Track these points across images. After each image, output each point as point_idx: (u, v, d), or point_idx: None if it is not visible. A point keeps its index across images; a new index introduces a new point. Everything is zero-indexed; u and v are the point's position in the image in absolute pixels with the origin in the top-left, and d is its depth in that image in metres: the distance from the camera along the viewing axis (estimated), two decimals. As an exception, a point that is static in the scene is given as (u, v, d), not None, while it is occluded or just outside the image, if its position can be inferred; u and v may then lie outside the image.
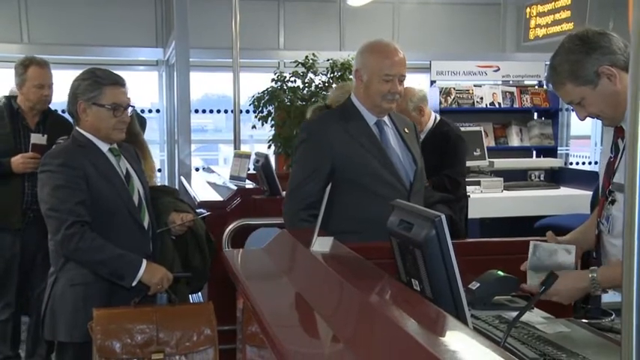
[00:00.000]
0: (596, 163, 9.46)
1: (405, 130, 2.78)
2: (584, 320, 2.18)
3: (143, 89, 9.09)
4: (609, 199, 2.01)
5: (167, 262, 2.72)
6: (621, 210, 1.86)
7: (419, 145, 2.86)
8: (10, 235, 3.72)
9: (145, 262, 2.51)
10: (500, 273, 2.05)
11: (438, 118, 4.07)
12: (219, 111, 9.02)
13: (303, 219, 2.59)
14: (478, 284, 2.00)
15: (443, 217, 1.61)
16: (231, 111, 5.86)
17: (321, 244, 2.04)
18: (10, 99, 3.78)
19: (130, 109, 2.65)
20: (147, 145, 4.19)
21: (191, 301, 3.63)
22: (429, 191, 2.89)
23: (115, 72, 2.68)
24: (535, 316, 1.99)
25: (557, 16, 8.29)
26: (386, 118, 2.74)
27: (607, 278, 1.81)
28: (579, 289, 1.85)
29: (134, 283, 2.49)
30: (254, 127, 6.56)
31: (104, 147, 2.61)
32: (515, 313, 2.03)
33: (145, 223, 2.65)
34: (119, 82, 2.61)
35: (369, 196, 2.60)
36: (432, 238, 1.61)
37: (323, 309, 1.59)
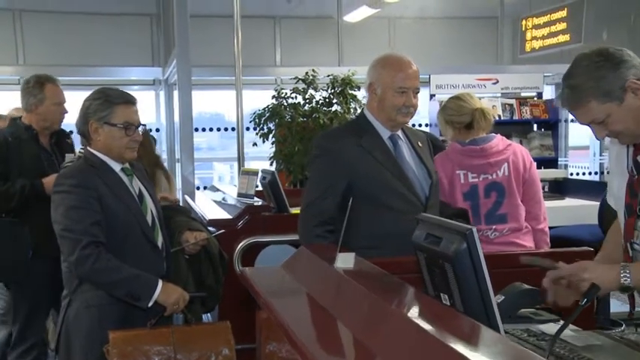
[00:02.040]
0: (595, 173, 9.48)
1: (419, 143, 2.77)
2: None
3: (140, 109, 9.05)
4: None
5: (181, 282, 2.68)
6: None
7: (432, 158, 2.84)
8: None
9: (160, 282, 2.48)
10: (525, 285, 2.03)
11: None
12: (211, 129, 8.98)
13: (318, 235, 2.57)
14: (503, 297, 1.97)
15: (474, 229, 1.59)
16: (225, 129, 5.86)
17: (344, 260, 2.01)
18: (17, 121, 3.73)
19: (141, 128, 2.62)
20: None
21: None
22: (443, 205, 2.87)
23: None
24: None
25: (553, 28, 8.34)
26: (399, 132, 2.73)
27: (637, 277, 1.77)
28: (609, 278, 1.80)
29: (150, 304, 2.45)
30: (255, 144, 6.54)
31: (116, 167, 2.59)
32: (541, 326, 2.02)
33: (159, 243, 2.62)
34: (130, 101, 2.60)
35: (385, 210, 2.58)
36: (464, 252, 1.59)
37: (354, 324, 1.56)
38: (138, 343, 2.42)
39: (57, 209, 2.47)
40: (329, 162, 2.62)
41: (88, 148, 2.59)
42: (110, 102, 2.54)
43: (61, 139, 3.79)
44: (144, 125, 2.66)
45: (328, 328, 1.62)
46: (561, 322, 2.03)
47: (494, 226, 3.06)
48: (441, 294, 1.73)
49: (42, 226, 2.63)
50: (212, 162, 10.56)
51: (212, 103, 9.26)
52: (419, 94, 2.69)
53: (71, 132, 3.75)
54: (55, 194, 2.51)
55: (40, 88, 3.63)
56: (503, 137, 3.17)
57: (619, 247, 2.05)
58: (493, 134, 3.15)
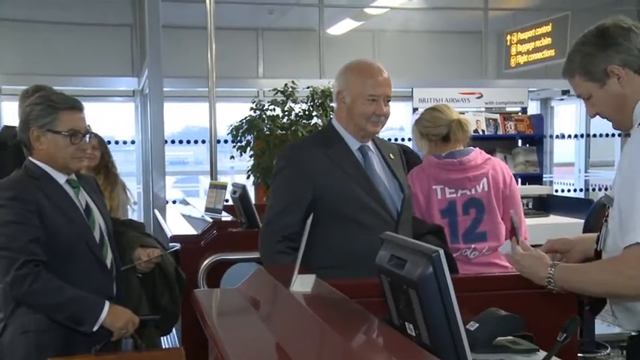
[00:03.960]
0: (581, 190, 9.37)
1: (391, 155, 2.60)
2: (579, 355, 2.00)
3: (120, 121, 8.89)
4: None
5: (133, 304, 2.48)
6: (612, 226, 1.78)
7: (405, 171, 2.67)
8: None
9: (107, 304, 2.27)
10: (502, 311, 1.86)
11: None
12: (196, 142, 8.83)
13: (280, 251, 2.39)
14: (477, 324, 1.81)
15: (441, 252, 1.41)
16: (209, 141, 5.72)
17: (302, 283, 1.83)
18: (9, 129, 3.54)
19: (87, 136, 2.41)
20: (118, 178, 3.97)
21: (163, 345, 3.38)
22: (417, 222, 2.69)
23: (82, 102, 2.44)
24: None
25: (538, 43, 8.27)
26: (370, 144, 2.56)
27: (560, 277, 1.77)
28: (536, 275, 1.82)
29: (95, 329, 2.24)
30: (232, 157, 6.38)
31: (61, 179, 2.38)
32: (519, 357, 1.84)
33: (108, 262, 2.41)
34: (76, 107, 2.39)
35: (354, 227, 2.40)
36: (429, 277, 1.41)
37: (299, 357, 1.37)
38: (81, 372, 2.21)
39: None
40: (294, 175, 2.45)
41: (30, 158, 2.38)
42: (53, 107, 2.33)
43: None
44: (92, 133, 2.46)
45: (269, 358, 1.43)
46: (539, 353, 1.86)
47: (473, 245, 2.88)
48: (406, 323, 1.55)
49: None
50: (198, 175, 10.37)
51: (200, 116, 9.12)
52: (391, 104, 2.53)
53: None
54: None
55: None
56: (482, 151, 3.01)
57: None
58: (471, 147, 2.98)
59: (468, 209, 2.91)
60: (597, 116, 1.86)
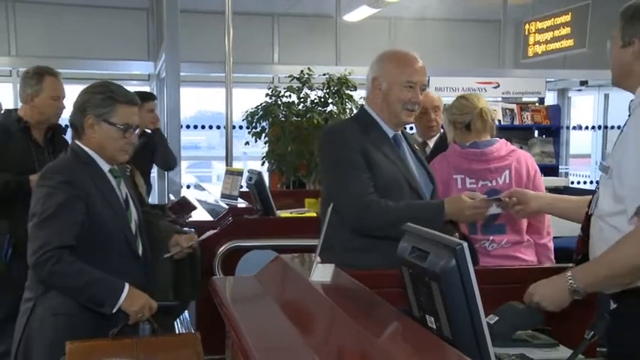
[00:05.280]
0: (597, 182, 9.26)
1: (415, 146, 2.59)
2: (598, 349, 1.98)
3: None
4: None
5: (161, 291, 2.49)
6: (603, 191, 1.85)
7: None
8: None
9: (127, 286, 2.27)
10: (522, 305, 1.84)
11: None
12: (211, 127, 8.83)
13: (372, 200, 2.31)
14: (497, 318, 1.79)
15: (465, 245, 1.39)
16: (224, 127, 5.69)
17: (321, 273, 1.81)
18: (11, 113, 3.52)
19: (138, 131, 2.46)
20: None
21: (176, 330, 3.40)
22: None
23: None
24: (562, 354, 1.77)
25: (557, 32, 8.15)
26: (399, 133, 2.54)
27: (582, 277, 1.78)
28: (558, 291, 1.80)
29: (114, 310, 2.25)
30: (247, 143, 6.36)
31: (105, 167, 2.41)
32: (538, 351, 1.83)
33: (140, 252, 2.45)
34: (133, 102, 2.41)
35: None
36: (452, 270, 1.40)
37: (324, 353, 1.36)
38: (98, 355, 2.22)
39: (36, 204, 2.27)
40: (346, 144, 2.39)
41: (77, 141, 2.39)
42: (113, 99, 2.35)
43: (57, 134, 3.58)
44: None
45: (288, 347, 1.42)
46: (559, 347, 1.85)
47: (491, 237, 2.85)
48: (427, 316, 1.54)
49: (24, 224, 2.44)
50: (210, 161, 10.39)
51: (214, 101, 9.10)
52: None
53: (67, 126, 3.57)
54: (38, 187, 2.31)
55: (38, 79, 3.44)
56: (508, 142, 2.97)
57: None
58: (497, 138, 2.95)
59: None
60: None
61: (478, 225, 2.84)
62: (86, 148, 2.38)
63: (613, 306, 1.83)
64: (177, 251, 2.57)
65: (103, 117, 2.35)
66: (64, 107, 3.51)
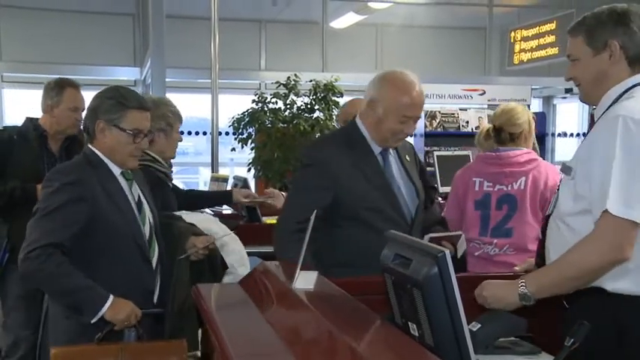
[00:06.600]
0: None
1: (407, 157, 2.59)
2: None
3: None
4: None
5: (182, 294, 2.47)
6: (563, 192, 1.87)
7: (417, 169, 2.66)
8: None
9: (110, 299, 2.26)
10: (504, 312, 1.85)
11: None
12: (197, 133, 8.81)
13: (295, 240, 2.24)
14: (479, 325, 1.80)
15: (447, 252, 1.40)
16: (210, 133, 5.71)
17: (305, 280, 1.81)
18: (32, 121, 3.54)
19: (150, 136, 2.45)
20: None
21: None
22: (431, 212, 2.70)
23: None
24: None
25: (542, 40, 8.23)
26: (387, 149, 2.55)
27: (532, 281, 1.80)
28: (508, 292, 1.83)
29: (94, 320, 2.24)
30: (233, 149, 6.36)
31: (116, 170, 2.40)
32: (521, 358, 1.84)
33: (154, 258, 2.42)
34: (144, 107, 2.40)
35: (368, 229, 2.38)
36: (434, 277, 1.40)
37: (300, 353, 1.36)
38: (82, 361, 2.20)
39: (39, 203, 2.27)
40: (317, 174, 2.43)
41: (90, 145, 2.39)
42: (123, 104, 2.34)
43: (74, 144, 3.60)
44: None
45: (269, 353, 1.42)
46: (542, 354, 1.86)
47: (495, 240, 2.89)
48: (409, 323, 1.54)
49: (22, 227, 2.45)
50: (198, 167, 10.36)
51: (200, 107, 9.10)
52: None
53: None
54: (44, 188, 2.30)
55: (58, 91, 3.48)
56: (533, 153, 2.99)
57: None
58: (523, 148, 2.98)
59: (501, 205, 2.92)
60: (570, 81, 1.96)
61: (490, 227, 2.91)
62: (98, 152, 2.38)
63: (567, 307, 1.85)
64: (193, 252, 2.56)
65: (114, 122, 2.34)
66: (81, 119, 3.54)
